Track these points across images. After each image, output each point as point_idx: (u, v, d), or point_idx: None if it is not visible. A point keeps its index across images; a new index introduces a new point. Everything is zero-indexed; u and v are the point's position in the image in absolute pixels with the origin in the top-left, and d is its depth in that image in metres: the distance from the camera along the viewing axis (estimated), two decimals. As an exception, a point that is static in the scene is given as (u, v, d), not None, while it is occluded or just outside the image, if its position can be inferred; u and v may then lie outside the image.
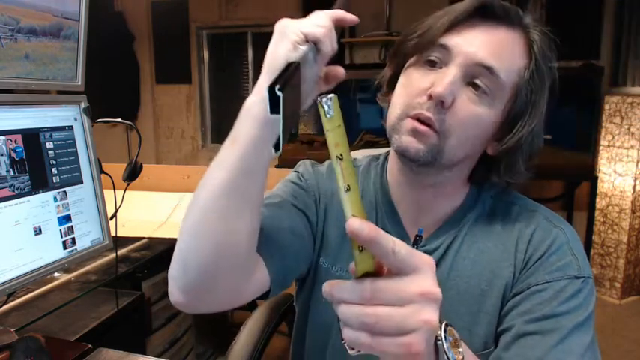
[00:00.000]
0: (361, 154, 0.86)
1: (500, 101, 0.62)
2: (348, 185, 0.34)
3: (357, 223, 0.34)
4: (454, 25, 0.61)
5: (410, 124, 0.61)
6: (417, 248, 0.67)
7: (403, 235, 0.69)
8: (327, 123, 0.34)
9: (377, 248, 0.35)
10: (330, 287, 0.37)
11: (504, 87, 0.61)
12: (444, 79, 0.59)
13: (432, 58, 0.62)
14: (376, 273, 0.37)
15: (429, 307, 0.36)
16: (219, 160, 0.51)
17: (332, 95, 0.34)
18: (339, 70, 0.53)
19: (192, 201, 0.53)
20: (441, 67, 0.62)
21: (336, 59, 0.53)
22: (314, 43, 0.48)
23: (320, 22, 0.48)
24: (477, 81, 0.60)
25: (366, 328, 0.35)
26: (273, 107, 0.33)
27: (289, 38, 0.48)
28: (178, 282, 0.55)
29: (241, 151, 0.50)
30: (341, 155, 0.34)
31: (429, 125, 0.60)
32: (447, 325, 0.42)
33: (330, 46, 0.48)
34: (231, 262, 0.53)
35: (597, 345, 0.60)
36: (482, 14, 0.62)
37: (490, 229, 0.68)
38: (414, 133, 0.61)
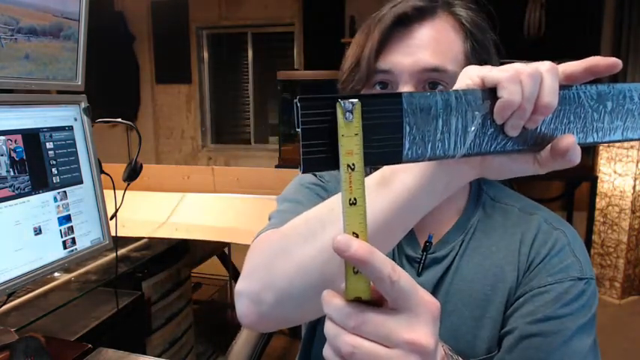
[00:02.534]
0: None
1: None
2: (355, 198, 0.31)
3: (344, 240, 0.30)
4: (382, 47, 0.60)
5: None
6: (426, 255, 0.66)
7: (414, 242, 0.68)
8: (343, 127, 0.31)
9: (370, 271, 0.31)
10: (324, 296, 0.34)
11: (457, 74, 0.61)
12: None
13: (381, 80, 0.62)
14: (372, 302, 0.33)
15: (412, 358, 0.32)
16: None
17: (355, 100, 0.31)
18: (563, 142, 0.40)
19: (308, 232, 0.48)
20: (392, 88, 0.62)
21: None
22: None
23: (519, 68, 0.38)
24: (432, 83, 0.60)
25: (340, 354, 0.33)
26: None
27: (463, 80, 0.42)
28: (263, 308, 0.50)
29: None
30: (353, 165, 0.31)
31: None
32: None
33: (517, 94, 0.37)
34: None
35: (599, 346, 0.60)
36: (402, 23, 0.61)
37: (492, 233, 0.67)
38: None
